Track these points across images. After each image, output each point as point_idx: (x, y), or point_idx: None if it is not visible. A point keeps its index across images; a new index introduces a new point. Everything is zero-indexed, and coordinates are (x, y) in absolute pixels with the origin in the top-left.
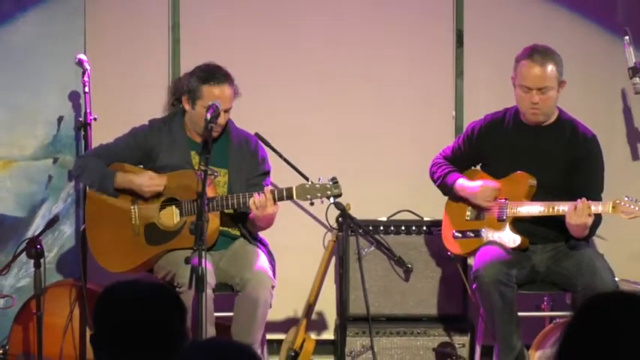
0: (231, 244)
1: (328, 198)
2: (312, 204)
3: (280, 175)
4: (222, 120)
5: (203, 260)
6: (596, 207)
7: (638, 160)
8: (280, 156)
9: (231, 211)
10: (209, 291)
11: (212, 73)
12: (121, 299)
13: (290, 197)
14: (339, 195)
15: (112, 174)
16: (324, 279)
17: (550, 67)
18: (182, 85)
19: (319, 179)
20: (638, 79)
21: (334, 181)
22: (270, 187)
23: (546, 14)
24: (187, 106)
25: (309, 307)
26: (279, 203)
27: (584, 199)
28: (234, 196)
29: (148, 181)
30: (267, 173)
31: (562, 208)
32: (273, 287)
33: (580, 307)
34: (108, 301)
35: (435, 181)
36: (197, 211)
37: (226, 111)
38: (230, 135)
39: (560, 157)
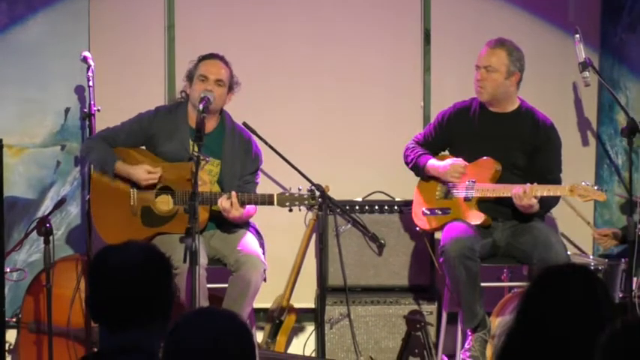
0: (220, 224)
1: (306, 207)
2: (290, 210)
3: (270, 167)
4: (215, 91)
5: (196, 238)
6: (553, 191)
7: (587, 146)
8: (278, 153)
9: (217, 208)
10: (202, 270)
11: (205, 54)
12: (111, 264)
13: (271, 203)
14: (316, 206)
15: (112, 161)
16: (306, 254)
17: (499, 52)
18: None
19: (299, 189)
20: (587, 73)
21: (311, 191)
22: (234, 193)
23: (506, 15)
24: (189, 90)
25: (293, 279)
26: (263, 185)
27: (528, 184)
28: (213, 195)
29: (144, 174)
30: (258, 168)
31: (516, 190)
32: (265, 270)
33: (536, 278)
34: (99, 266)
35: (408, 164)
36: (191, 192)
37: (219, 83)
38: (226, 128)
39: (521, 142)
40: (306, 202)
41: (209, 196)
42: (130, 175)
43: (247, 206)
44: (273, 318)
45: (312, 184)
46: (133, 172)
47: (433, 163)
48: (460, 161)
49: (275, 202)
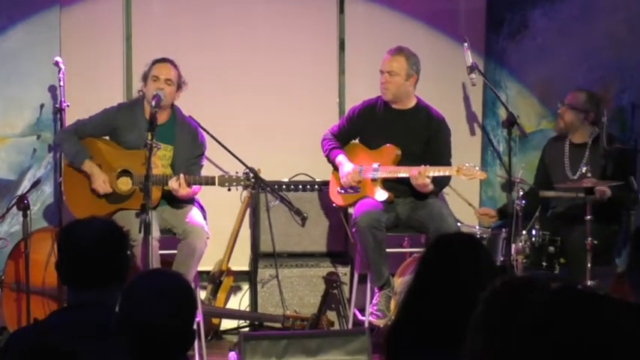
0: (171, 201)
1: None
2: (229, 190)
3: (213, 153)
4: (166, 89)
5: (150, 212)
6: (444, 171)
7: (474, 136)
8: (217, 141)
9: (168, 187)
10: (155, 242)
11: (158, 58)
12: (77, 236)
13: (213, 184)
14: (250, 186)
15: (81, 159)
16: (241, 225)
17: (398, 58)
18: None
19: (237, 172)
20: (474, 75)
21: (246, 174)
22: (182, 175)
23: (408, 26)
24: (144, 89)
25: (230, 246)
26: (207, 168)
27: (423, 166)
28: (164, 177)
29: (101, 184)
30: (203, 153)
31: (412, 171)
32: (208, 238)
33: (431, 244)
34: (67, 237)
35: (323, 152)
36: (145, 174)
37: (168, 83)
38: (176, 119)
39: (418, 133)
40: (242, 182)
41: (161, 177)
42: (91, 176)
43: (193, 186)
44: (214, 279)
45: (247, 167)
46: (94, 178)
47: (340, 162)
48: (356, 174)
49: (216, 183)
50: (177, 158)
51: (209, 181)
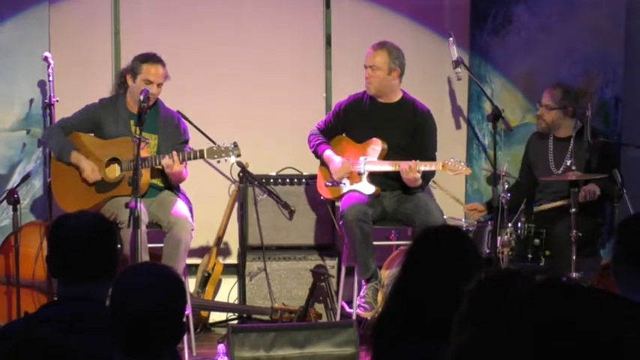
0: (158, 194)
1: (230, 157)
2: (218, 162)
3: (196, 142)
4: (155, 91)
5: (139, 205)
6: (430, 166)
7: (460, 129)
8: (197, 128)
9: (159, 167)
10: (143, 227)
11: (149, 56)
12: (67, 230)
13: (202, 157)
14: (239, 155)
15: (68, 151)
16: (230, 218)
17: (381, 53)
18: (125, 69)
19: (224, 143)
20: (459, 69)
21: (235, 144)
22: (175, 152)
23: (394, 22)
24: (130, 82)
25: (219, 239)
26: (195, 163)
27: (413, 161)
28: (155, 157)
29: (90, 172)
30: (187, 141)
31: (403, 166)
32: (192, 230)
33: (417, 237)
34: (58, 228)
35: (310, 148)
36: (133, 168)
37: (159, 85)
38: (160, 110)
39: (404, 127)
40: (230, 152)
41: (151, 158)
42: (79, 167)
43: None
44: (203, 271)
45: (237, 163)
46: (82, 168)
47: (328, 156)
48: (346, 167)
49: (205, 155)
50: (162, 145)
51: (198, 155)
